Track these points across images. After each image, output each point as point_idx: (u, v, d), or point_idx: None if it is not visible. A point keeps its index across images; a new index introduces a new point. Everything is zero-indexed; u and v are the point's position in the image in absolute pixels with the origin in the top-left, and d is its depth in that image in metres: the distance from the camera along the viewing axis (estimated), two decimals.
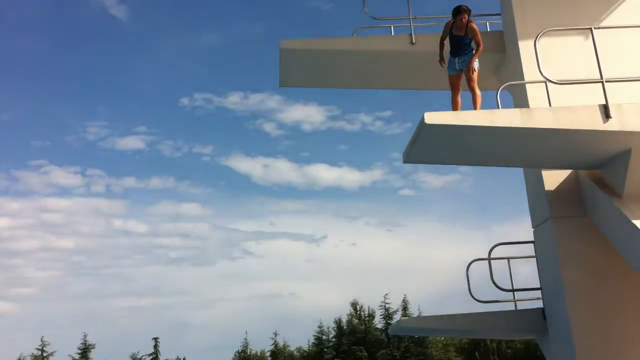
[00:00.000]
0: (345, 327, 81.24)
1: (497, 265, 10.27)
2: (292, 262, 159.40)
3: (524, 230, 10.70)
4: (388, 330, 75.48)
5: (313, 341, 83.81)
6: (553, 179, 9.40)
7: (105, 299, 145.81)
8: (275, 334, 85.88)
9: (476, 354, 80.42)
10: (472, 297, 10.28)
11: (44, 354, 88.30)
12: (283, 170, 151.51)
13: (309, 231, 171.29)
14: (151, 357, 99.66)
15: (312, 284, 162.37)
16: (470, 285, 10.45)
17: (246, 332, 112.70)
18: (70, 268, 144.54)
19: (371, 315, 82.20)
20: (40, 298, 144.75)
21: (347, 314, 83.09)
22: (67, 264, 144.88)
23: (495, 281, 10.20)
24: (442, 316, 10.74)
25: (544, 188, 9.42)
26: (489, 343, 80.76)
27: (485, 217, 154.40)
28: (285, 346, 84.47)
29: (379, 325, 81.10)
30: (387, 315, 78.83)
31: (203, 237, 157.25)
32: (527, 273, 10.64)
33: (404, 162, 7.68)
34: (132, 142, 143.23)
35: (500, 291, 10.34)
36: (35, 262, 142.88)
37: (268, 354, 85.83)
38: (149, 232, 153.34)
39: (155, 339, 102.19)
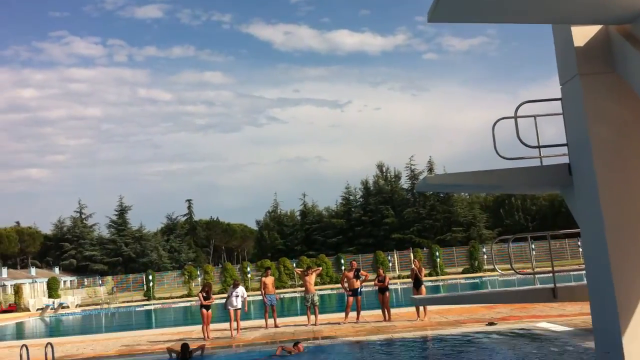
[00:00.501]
0: (371, 188, 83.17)
1: (523, 124, 10.45)
2: (317, 127, 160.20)
3: (550, 93, 10.76)
4: (414, 188, 76.98)
5: (341, 201, 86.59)
6: (582, 34, 9.31)
7: (136, 165, 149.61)
8: (304, 195, 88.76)
9: (501, 211, 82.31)
10: (498, 153, 10.53)
11: (83, 216, 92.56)
12: (304, 37, 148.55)
13: (333, 97, 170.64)
14: (185, 217, 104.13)
15: (338, 148, 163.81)
16: (496, 144, 10.68)
17: (275, 193, 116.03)
18: (100, 136, 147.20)
19: (397, 176, 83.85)
20: (74, 165, 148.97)
21: (374, 176, 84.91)
22: (96, 132, 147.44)
23: (521, 138, 10.41)
24: (467, 172, 11.03)
25: (572, 44, 9.37)
26: (513, 201, 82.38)
27: (511, 80, 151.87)
28: (314, 206, 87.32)
29: (405, 186, 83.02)
30: (413, 176, 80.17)
31: (228, 105, 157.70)
32: (552, 133, 10.82)
33: (429, 21, 7.63)
34: (151, 11, 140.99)
35: (526, 150, 10.58)
36: (66, 130, 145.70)
37: (297, 213, 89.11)
38: (174, 100, 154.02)
39: (189, 200, 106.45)
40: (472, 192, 73.06)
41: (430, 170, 76.91)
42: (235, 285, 19.20)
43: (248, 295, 19.68)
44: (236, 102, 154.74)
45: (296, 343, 14.36)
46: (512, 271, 13.24)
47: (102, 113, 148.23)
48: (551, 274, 12.06)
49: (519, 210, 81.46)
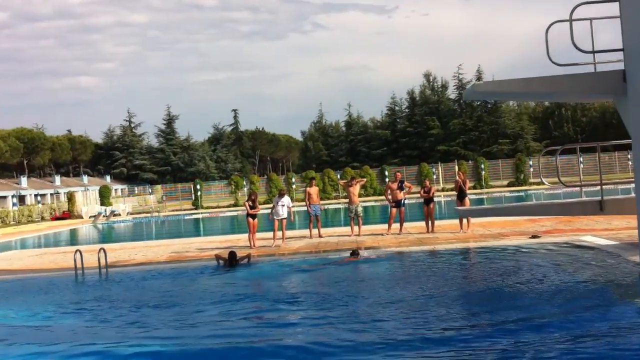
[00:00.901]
0: (418, 98, 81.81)
1: (577, 29, 10.01)
2: (363, 35, 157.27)
3: None
4: (462, 95, 75.38)
5: (386, 112, 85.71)
6: None
7: (183, 73, 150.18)
8: (349, 106, 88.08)
9: (550, 122, 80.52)
10: (550, 59, 10.14)
11: (132, 125, 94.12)
12: None
13: (380, 2, 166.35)
14: (232, 127, 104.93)
15: (384, 56, 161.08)
16: (549, 50, 10.27)
17: (321, 103, 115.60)
18: (147, 43, 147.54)
19: (444, 86, 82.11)
20: (122, 73, 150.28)
21: (420, 85, 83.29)
22: (142, 39, 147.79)
23: (576, 42, 9.99)
24: (517, 79, 10.71)
25: None
26: (563, 112, 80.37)
27: None
28: (359, 117, 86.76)
29: (452, 96, 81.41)
30: (461, 86, 78.43)
31: (272, 11, 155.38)
32: (607, 40, 10.37)
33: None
34: None
35: (579, 57, 10.18)
36: (113, 37, 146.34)
37: (342, 124, 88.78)
38: (219, 6, 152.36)
39: (235, 110, 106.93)
40: (522, 101, 71.29)
41: (479, 79, 75.04)
42: (281, 195, 19.43)
43: (293, 206, 19.93)
44: (281, 7, 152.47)
45: (354, 252, 14.61)
46: (559, 183, 13.06)
47: (147, 19, 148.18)
48: (599, 188, 11.86)
49: (568, 122, 79.54)
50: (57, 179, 76.38)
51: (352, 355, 7.22)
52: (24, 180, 69.96)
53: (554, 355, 6.69)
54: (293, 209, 20.13)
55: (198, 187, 52.60)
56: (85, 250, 16.41)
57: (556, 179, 13.44)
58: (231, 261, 14.78)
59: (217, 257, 15.35)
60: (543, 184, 43.94)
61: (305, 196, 20.74)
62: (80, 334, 9.23)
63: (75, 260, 15.08)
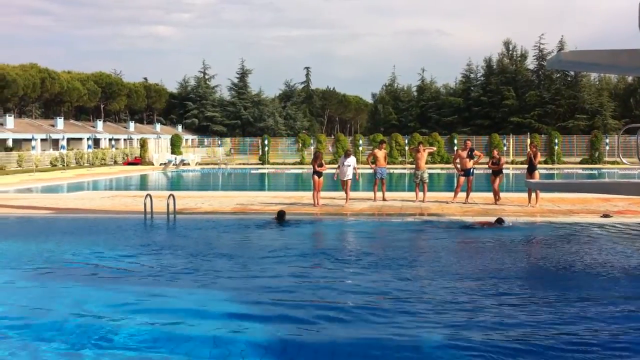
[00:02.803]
0: (495, 67, 79.73)
1: None
2: None
3: None
4: (544, 64, 72.82)
5: (460, 79, 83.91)
6: None
7: (258, 28, 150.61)
8: (423, 70, 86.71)
9: (631, 100, 77.22)
10: None
11: (206, 76, 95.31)
12: None
13: None
14: (303, 85, 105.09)
15: (462, 21, 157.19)
16: None
17: (394, 66, 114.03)
18: None
19: (523, 56, 79.49)
20: (199, 24, 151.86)
21: (498, 53, 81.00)
22: None
23: None
24: (606, 50, 10.24)
25: None
26: None
27: None
28: (432, 82, 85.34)
29: (531, 67, 78.91)
30: (541, 57, 75.87)
31: None
32: None
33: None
34: None
35: None
36: None
37: (414, 89, 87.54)
38: None
39: (307, 68, 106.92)
40: (608, 73, 68.38)
41: (561, 50, 72.44)
42: (347, 155, 19.41)
43: (358, 168, 19.91)
44: None
45: (499, 220, 14.53)
46: (638, 162, 12.56)
47: None
48: None
49: None
50: (131, 125, 78.41)
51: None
52: (99, 124, 72.12)
53: (618, 338, 6.55)
54: (359, 171, 20.13)
55: (266, 142, 53.10)
56: (155, 195, 16.88)
57: (635, 159, 12.94)
58: (280, 218, 15.08)
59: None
60: (618, 163, 42.49)
61: (370, 158, 20.68)
62: (144, 277, 9.56)
63: (145, 205, 15.55)
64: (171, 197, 15.63)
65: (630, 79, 79.31)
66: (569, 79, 75.11)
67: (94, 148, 58.38)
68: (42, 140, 56.86)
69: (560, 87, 74.41)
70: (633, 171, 34.67)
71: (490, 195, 19.28)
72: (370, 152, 21.84)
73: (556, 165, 47.45)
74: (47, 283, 9.15)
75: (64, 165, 46.88)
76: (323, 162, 19.36)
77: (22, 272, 9.86)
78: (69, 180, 33.26)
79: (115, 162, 53.48)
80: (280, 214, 15.26)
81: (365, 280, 9.15)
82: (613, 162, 46.08)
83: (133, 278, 9.38)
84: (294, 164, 50.07)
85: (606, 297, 8.18)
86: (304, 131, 79.23)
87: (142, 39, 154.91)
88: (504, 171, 21.27)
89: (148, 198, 15.61)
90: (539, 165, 19.28)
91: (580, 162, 49.12)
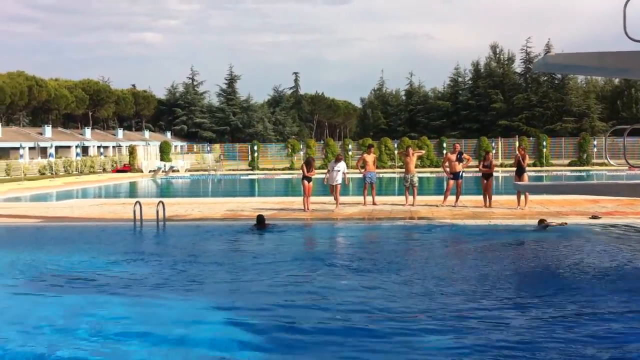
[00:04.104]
0: (482, 70, 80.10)
1: None
2: (428, 2, 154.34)
3: None
4: (531, 67, 73.20)
5: (448, 83, 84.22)
6: None
7: (245, 34, 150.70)
8: (411, 74, 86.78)
9: (618, 102, 77.75)
10: (627, 35, 9.71)
11: (195, 82, 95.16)
12: None
13: None
14: (292, 90, 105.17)
15: (450, 26, 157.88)
16: (626, 25, 9.83)
17: (382, 70, 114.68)
18: (211, 1, 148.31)
19: (510, 59, 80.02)
20: (186, 30, 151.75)
21: (486, 57, 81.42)
22: None
23: None
24: (592, 53, 10.31)
25: None
26: (633, 92, 77.44)
27: None
28: (420, 86, 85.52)
29: (518, 70, 79.44)
30: (528, 60, 76.35)
31: None
32: None
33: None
34: None
35: None
36: None
37: (403, 93, 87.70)
38: None
39: (296, 73, 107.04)
40: (595, 76, 68.81)
41: (548, 53, 72.83)
42: (338, 160, 19.40)
43: (348, 173, 19.93)
44: None
45: (543, 222, 14.45)
46: (625, 164, 12.65)
47: None
48: None
49: (637, 103, 76.66)
50: (120, 132, 78.15)
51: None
52: (87, 131, 71.84)
53: (604, 337, 6.58)
54: (349, 176, 20.14)
55: (255, 148, 53.04)
56: (144, 203, 16.81)
57: (622, 160, 13.03)
58: (259, 224, 14.97)
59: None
60: (606, 164, 42.74)
61: (359, 162, 20.68)
62: (133, 284, 9.52)
63: (134, 212, 15.49)
64: (161, 204, 15.58)
65: (617, 81, 79.90)
66: (556, 82, 75.58)
67: (83, 156, 58.10)
68: (30, 148, 56.56)
69: (548, 90, 74.86)
70: (621, 173, 34.93)
71: (480, 198, 19.34)
72: (360, 156, 21.86)
73: (545, 168, 47.69)
74: (30, 293, 9.08)
75: (52, 174, 46.64)
76: (313, 167, 19.38)
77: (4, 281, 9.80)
78: (58, 188, 33.09)
79: (104, 170, 53.27)
80: (259, 219, 15.16)
81: (359, 286, 9.15)
82: (601, 164, 46.35)
83: (115, 286, 9.31)
84: (283, 169, 50.04)
85: (588, 298, 8.22)
86: (293, 136, 79.21)
87: (130, 46, 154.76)
88: (494, 174, 21.35)
89: (137, 205, 15.55)
90: (527, 168, 19.37)
91: (569, 165, 49.38)
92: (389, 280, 9.42)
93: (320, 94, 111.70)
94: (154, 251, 12.45)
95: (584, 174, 41.24)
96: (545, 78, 75.90)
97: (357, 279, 9.62)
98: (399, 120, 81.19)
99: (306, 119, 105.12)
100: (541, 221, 14.52)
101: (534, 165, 47.38)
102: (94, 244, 13.42)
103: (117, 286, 9.28)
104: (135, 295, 8.74)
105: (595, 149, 50.36)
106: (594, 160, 49.36)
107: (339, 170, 19.02)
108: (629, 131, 13.60)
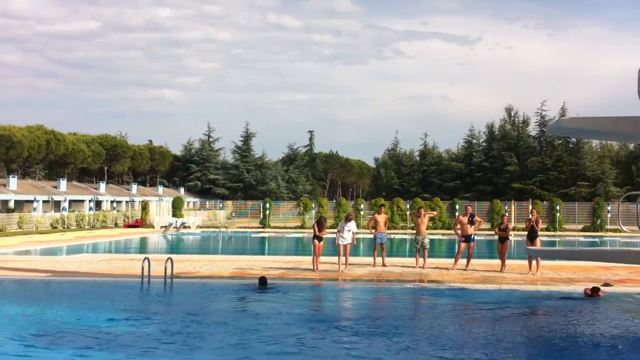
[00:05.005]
0: (497, 133, 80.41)
1: None
2: (444, 65, 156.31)
3: None
4: (545, 130, 73.41)
5: (462, 144, 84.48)
6: None
7: (263, 92, 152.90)
8: (425, 135, 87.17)
9: (633, 167, 77.47)
10: None
11: (211, 139, 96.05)
12: None
13: (463, 32, 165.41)
14: (306, 148, 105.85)
15: (465, 87, 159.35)
16: None
17: (397, 131, 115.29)
18: (230, 60, 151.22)
19: (525, 122, 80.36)
20: (205, 88, 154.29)
21: (500, 119, 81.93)
22: (227, 55, 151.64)
23: None
24: (606, 117, 10.28)
25: None
26: None
27: None
28: (434, 147, 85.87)
29: (533, 133, 79.61)
30: (543, 123, 76.51)
31: (354, 35, 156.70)
32: None
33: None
34: None
35: None
36: (198, 52, 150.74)
37: (417, 154, 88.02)
38: (302, 27, 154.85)
39: (311, 132, 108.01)
40: (609, 140, 68.83)
41: (563, 117, 72.99)
42: (348, 219, 19.26)
43: (359, 233, 19.81)
44: (363, 32, 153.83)
45: (595, 289, 13.96)
46: (638, 230, 12.50)
47: (232, 37, 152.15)
48: None
49: None
50: (134, 187, 78.64)
51: None
52: (102, 185, 72.37)
53: None
54: (360, 236, 20.02)
55: (267, 205, 53.10)
56: (153, 259, 16.75)
57: (635, 227, 12.87)
58: (262, 284, 14.94)
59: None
60: (620, 231, 42.23)
61: (372, 222, 20.54)
62: (130, 342, 9.39)
63: (142, 268, 15.42)
64: (169, 260, 15.51)
65: (632, 146, 79.81)
66: (571, 146, 75.60)
67: (96, 210, 58.40)
68: (44, 201, 56.93)
69: (562, 154, 74.81)
70: (636, 239, 34.49)
71: (491, 262, 19.13)
72: (371, 216, 21.74)
73: (558, 233, 47.25)
74: (31, 347, 8.97)
75: (64, 228, 46.78)
76: (324, 226, 19.26)
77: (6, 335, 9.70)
78: (69, 242, 33.13)
79: (116, 225, 53.37)
80: (262, 280, 15.10)
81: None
82: (615, 230, 45.87)
83: (112, 344, 9.19)
84: (294, 227, 49.92)
85: None
86: (305, 195, 79.38)
87: (148, 102, 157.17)
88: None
89: (146, 261, 15.49)
90: (540, 232, 19.19)
91: (582, 230, 48.90)
92: (391, 344, 9.22)
93: (334, 153, 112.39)
94: (156, 309, 12.33)
95: (597, 239, 40.77)
96: (560, 142, 75.97)
97: (354, 342, 9.42)
98: (412, 180, 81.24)
99: (319, 178, 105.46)
100: (594, 289, 13.94)
101: (547, 229, 46.97)
102: (99, 299, 13.33)
103: (114, 344, 9.16)
104: (130, 355, 8.61)
105: (609, 215, 49.92)
106: (608, 226, 48.87)
107: (349, 230, 18.90)
108: None
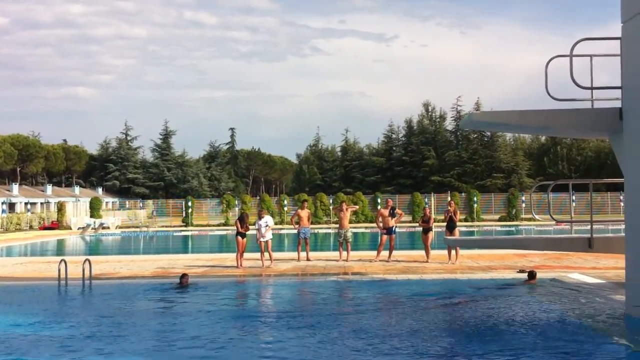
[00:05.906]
0: (415, 127, 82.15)
1: (576, 67, 10.09)
2: (361, 62, 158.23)
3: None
4: (459, 124, 75.67)
5: (382, 139, 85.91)
6: None
7: (181, 90, 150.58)
8: (346, 131, 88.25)
9: (544, 159, 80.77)
10: (548, 93, 10.19)
11: (128, 138, 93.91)
12: None
13: (379, 30, 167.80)
14: (228, 145, 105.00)
15: (383, 84, 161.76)
16: (548, 85, 10.32)
17: (318, 127, 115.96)
18: (146, 57, 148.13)
19: (442, 117, 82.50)
20: (120, 85, 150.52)
21: (418, 115, 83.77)
22: (142, 52, 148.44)
23: (575, 79, 10.06)
24: (514, 111, 10.75)
25: None
26: (559, 150, 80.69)
27: (569, 21, 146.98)
28: (355, 143, 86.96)
29: (449, 127, 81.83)
30: (458, 117, 78.64)
31: (272, 33, 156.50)
32: (605, 81, 10.44)
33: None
34: None
35: (577, 93, 10.26)
36: (112, 49, 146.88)
37: (338, 149, 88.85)
38: (219, 24, 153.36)
39: (232, 129, 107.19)
40: (518, 133, 71.51)
41: (477, 111, 75.23)
42: (261, 217, 19.20)
43: (282, 228, 19.82)
44: (280, 30, 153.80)
45: (532, 274, 14.64)
46: (550, 219, 13.05)
47: (147, 34, 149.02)
48: (589, 225, 11.85)
49: (563, 160, 79.78)
50: (49, 188, 76.00)
51: None
52: (15, 187, 69.60)
53: None
54: (284, 231, 20.03)
55: (189, 204, 52.37)
56: (71, 261, 16.23)
57: (547, 215, 13.44)
58: (181, 282, 14.73)
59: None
60: (534, 220, 43.95)
61: (295, 218, 20.61)
62: (48, 345, 9.09)
63: (59, 270, 14.91)
64: (87, 262, 15.07)
65: (543, 138, 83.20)
66: (486, 139, 78.01)
67: (9, 213, 56.05)
68: None
69: (478, 147, 77.12)
70: (550, 227, 35.92)
71: (412, 253, 19.52)
72: (294, 212, 21.80)
73: (475, 223, 48.69)
74: None
75: None
76: (247, 222, 19.20)
77: None
78: None
79: (31, 227, 51.38)
80: (183, 278, 14.87)
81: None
82: (529, 219, 47.64)
83: (27, 348, 8.86)
84: (218, 225, 49.45)
85: (516, 352, 8.29)
86: (228, 192, 78.73)
87: (62, 100, 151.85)
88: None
89: (62, 264, 14.99)
90: (459, 223, 19.70)
91: (499, 220, 50.58)
92: (316, 337, 9.27)
93: (256, 150, 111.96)
94: (73, 311, 11.98)
95: (513, 228, 42.25)
96: (475, 135, 78.26)
97: (279, 337, 9.42)
98: (335, 175, 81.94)
99: (242, 175, 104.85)
100: (527, 272, 14.85)
101: (465, 220, 48.33)
102: (13, 304, 12.81)
103: (29, 348, 8.83)
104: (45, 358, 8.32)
105: (523, 204, 51.82)
106: (523, 215, 50.73)
107: (267, 226, 18.88)
108: (553, 187, 14.10)
